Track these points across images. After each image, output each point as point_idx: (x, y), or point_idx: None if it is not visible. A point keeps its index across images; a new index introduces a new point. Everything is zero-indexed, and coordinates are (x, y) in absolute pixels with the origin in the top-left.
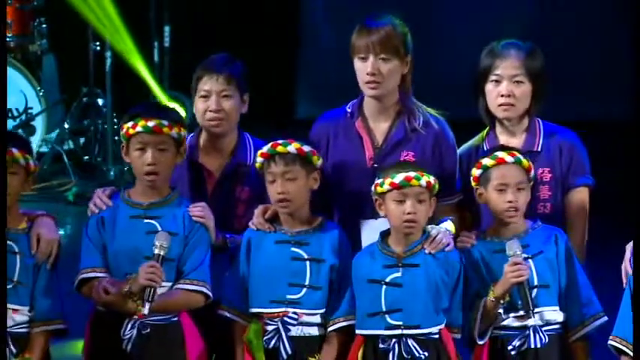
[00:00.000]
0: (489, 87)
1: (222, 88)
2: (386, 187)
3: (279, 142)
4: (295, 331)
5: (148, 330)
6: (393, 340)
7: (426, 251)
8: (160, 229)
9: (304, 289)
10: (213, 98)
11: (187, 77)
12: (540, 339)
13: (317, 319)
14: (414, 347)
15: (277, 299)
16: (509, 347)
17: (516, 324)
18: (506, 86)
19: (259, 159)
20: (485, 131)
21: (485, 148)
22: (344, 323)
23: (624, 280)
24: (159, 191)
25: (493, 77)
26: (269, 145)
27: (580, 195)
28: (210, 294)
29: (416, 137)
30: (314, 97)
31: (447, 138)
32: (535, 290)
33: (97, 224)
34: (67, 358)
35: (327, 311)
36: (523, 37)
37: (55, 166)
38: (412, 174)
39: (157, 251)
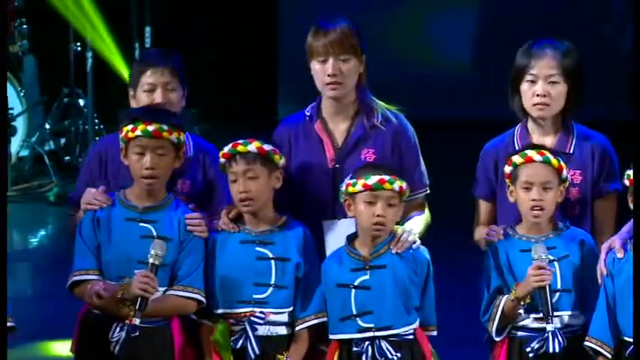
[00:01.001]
0: (525, 86)
1: (167, 80)
2: (358, 187)
3: (240, 141)
4: (262, 330)
5: (137, 333)
6: (366, 342)
7: (393, 251)
8: (155, 233)
9: (270, 289)
10: (158, 92)
11: None
12: (559, 343)
13: (284, 317)
14: (387, 349)
15: (243, 299)
16: (528, 349)
17: (535, 325)
18: (542, 86)
19: (221, 159)
20: (516, 128)
21: (516, 145)
22: (314, 321)
23: (600, 281)
24: (155, 195)
25: (529, 77)
26: (230, 145)
27: (610, 201)
28: (204, 301)
29: (375, 134)
30: (295, 98)
31: (407, 133)
32: (558, 294)
33: (93, 224)
34: (54, 358)
35: (295, 310)
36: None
37: (36, 166)
38: (386, 177)
39: (151, 260)
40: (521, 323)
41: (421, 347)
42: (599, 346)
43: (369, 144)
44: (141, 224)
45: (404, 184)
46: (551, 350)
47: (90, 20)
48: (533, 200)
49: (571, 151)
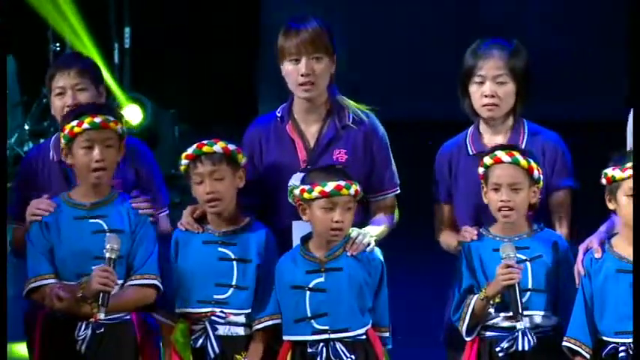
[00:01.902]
0: (473, 87)
1: (76, 81)
2: (315, 194)
3: (204, 142)
4: (223, 330)
5: (103, 330)
6: (321, 344)
7: (348, 254)
8: (106, 227)
9: (231, 289)
10: (68, 93)
11: (148, 79)
12: (529, 341)
13: (242, 318)
14: (342, 350)
15: (204, 299)
16: (497, 349)
17: (505, 324)
18: (489, 87)
19: (184, 161)
20: (469, 129)
21: (468, 146)
22: (269, 322)
23: (577, 281)
24: (101, 190)
25: (477, 78)
26: (194, 146)
27: (563, 197)
28: (161, 286)
29: (346, 135)
30: (275, 96)
31: (378, 133)
32: (528, 294)
33: (41, 229)
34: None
35: (253, 310)
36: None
37: (15, 167)
38: (342, 183)
39: (108, 255)
40: (491, 322)
41: (374, 348)
42: (577, 346)
43: (341, 144)
44: (91, 220)
45: (358, 187)
46: (520, 349)
47: (69, 21)
48: (502, 201)
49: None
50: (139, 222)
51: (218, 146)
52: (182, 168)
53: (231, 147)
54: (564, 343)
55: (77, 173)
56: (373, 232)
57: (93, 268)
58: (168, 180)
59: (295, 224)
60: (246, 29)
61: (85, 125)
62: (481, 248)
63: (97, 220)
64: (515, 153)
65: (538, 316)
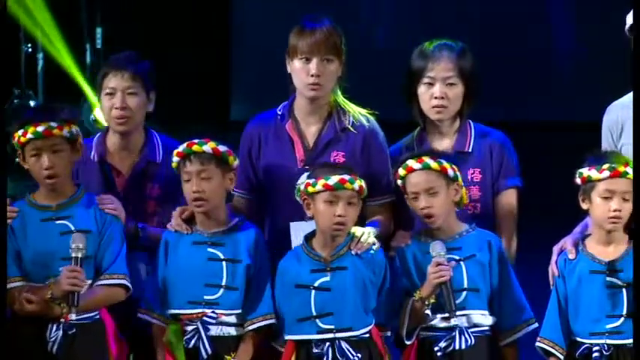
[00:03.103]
0: (422, 89)
1: (128, 85)
2: (318, 187)
3: (195, 141)
4: (215, 330)
5: (74, 330)
6: (327, 343)
7: (353, 252)
8: (72, 228)
9: (221, 290)
10: (118, 95)
11: None
12: (466, 340)
13: (235, 318)
14: (348, 350)
15: (194, 300)
16: (436, 348)
17: (443, 325)
18: (439, 88)
19: (175, 158)
20: (416, 131)
21: (415, 148)
22: (262, 323)
23: (551, 282)
24: (64, 191)
25: (426, 79)
26: (185, 144)
27: (509, 197)
28: (129, 286)
29: (346, 137)
30: (248, 99)
31: (377, 137)
32: (464, 293)
33: (7, 233)
34: None
35: (244, 311)
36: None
37: None
38: (346, 177)
39: (74, 254)
40: (430, 324)
41: (378, 347)
42: (550, 347)
43: (339, 146)
44: (57, 222)
45: (363, 183)
46: (457, 347)
47: (41, 21)
48: (422, 209)
49: (470, 150)
50: (105, 221)
51: (208, 146)
52: (173, 165)
53: (222, 148)
54: (538, 344)
55: (35, 178)
56: (372, 229)
57: (60, 269)
58: None
59: (293, 225)
60: (217, 29)
61: (29, 135)
62: (416, 252)
63: (63, 222)
64: (424, 158)
65: (475, 315)
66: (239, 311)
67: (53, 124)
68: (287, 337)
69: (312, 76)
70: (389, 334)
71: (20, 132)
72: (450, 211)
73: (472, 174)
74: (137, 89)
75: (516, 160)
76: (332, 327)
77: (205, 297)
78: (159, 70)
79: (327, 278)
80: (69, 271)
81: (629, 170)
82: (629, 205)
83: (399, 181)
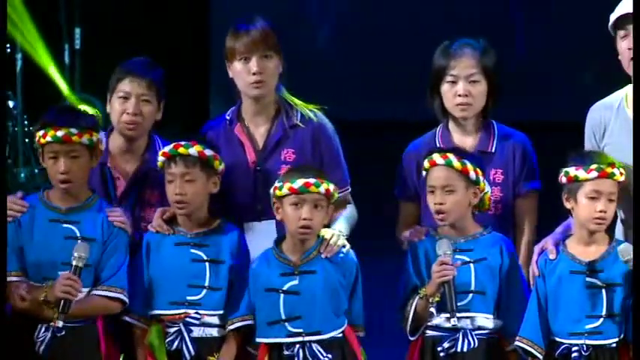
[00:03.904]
0: (445, 87)
1: (143, 92)
2: (284, 190)
3: (182, 143)
4: (197, 332)
5: (63, 332)
6: (297, 345)
7: (323, 256)
8: (78, 234)
9: (204, 291)
10: (132, 101)
11: (98, 80)
12: (469, 343)
13: (218, 319)
14: (319, 351)
15: (177, 301)
16: (439, 348)
17: (447, 325)
18: (463, 86)
19: (161, 158)
20: (438, 129)
21: (438, 145)
22: (240, 323)
23: (531, 282)
24: (77, 196)
25: (449, 77)
26: (171, 145)
27: (530, 200)
28: (127, 300)
29: (294, 134)
30: (227, 99)
31: (326, 131)
32: (470, 295)
33: (15, 226)
34: None
35: (226, 311)
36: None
37: None
38: (312, 180)
39: (74, 263)
40: (435, 323)
41: (351, 347)
42: (529, 346)
43: (289, 144)
44: (64, 225)
45: (331, 187)
46: (459, 350)
47: (19, 21)
48: (435, 204)
49: (492, 150)
50: (112, 233)
51: (194, 149)
52: (159, 164)
53: (208, 152)
54: (516, 343)
55: (50, 179)
56: (344, 229)
57: (60, 273)
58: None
59: (247, 226)
60: (196, 30)
61: (48, 138)
62: (429, 249)
63: (70, 226)
64: (449, 155)
65: (480, 318)
66: (222, 312)
67: (74, 130)
68: (258, 340)
69: (253, 74)
70: (362, 334)
71: (41, 133)
72: (466, 212)
73: (494, 174)
74: (151, 97)
75: (537, 163)
76: (301, 330)
77: (188, 298)
78: None
79: (296, 282)
80: (65, 279)
81: (616, 171)
82: (614, 206)
83: (424, 173)
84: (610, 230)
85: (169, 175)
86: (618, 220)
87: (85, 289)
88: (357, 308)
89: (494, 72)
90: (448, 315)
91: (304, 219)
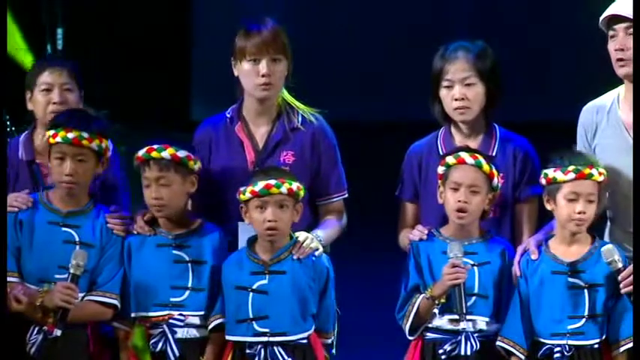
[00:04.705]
0: (443, 92)
1: (64, 80)
2: (247, 195)
3: (155, 146)
4: (181, 333)
5: (54, 335)
6: (259, 345)
7: (294, 257)
8: (77, 239)
9: (187, 292)
10: (56, 91)
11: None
12: (471, 346)
13: (197, 320)
14: (280, 353)
15: (160, 302)
16: (440, 351)
17: (449, 327)
18: (458, 89)
19: (136, 162)
20: (440, 132)
21: (440, 147)
22: (216, 322)
23: (514, 282)
24: (78, 199)
25: (445, 82)
26: (144, 149)
27: (531, 204)
28: (119, 305)
29: (295, 136)
30: (208, 99)
31: (326, 135)
32: (474, 298)
33: (15, 226)
34: None
35: (207, 311)
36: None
37: None
38: (272, 181)
39: (72, 270)
40: (436, 324)
41: (315, 352)
42: (511, 347)
43: (289, 146)
44: (63, 229)
45: (294, 185)
46: (463, 353)
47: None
48: (459, 202)
49: (493, 154)
50: (110, 239)
51: (167, 152)
52: (134, 168)
53: (181, 154)
54: (498, 343)
55: (53, 179)
56: (322, 234)
57: (56, 276)
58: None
59: (241, 225)
60: (178, 30)
61: (58, 139)
62: (430, 248)
63: (69, 230)
64: (479, 156)
65: (481, 321)
66: (204, 312)
67: (85, 134)
68: (227, 338)
69: (262, 76)
70: (330, 340)
71: (51, 132)
72: (479, 214)
73: None
74: (72, 86)
75: (539, 167)
76: (267, 330)
77: (172, 299)
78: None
79: (265, 281)
80: (64, 288)
81: (594, 172)
82: (594, 207)
83: (441, 169)
84: (598, 230)
85: (145, 179)
86: (608, 220)
87: (80, 294)
88: (326, 314)
89: (491, 74)
90: (452, 317)
91: (269, 221)
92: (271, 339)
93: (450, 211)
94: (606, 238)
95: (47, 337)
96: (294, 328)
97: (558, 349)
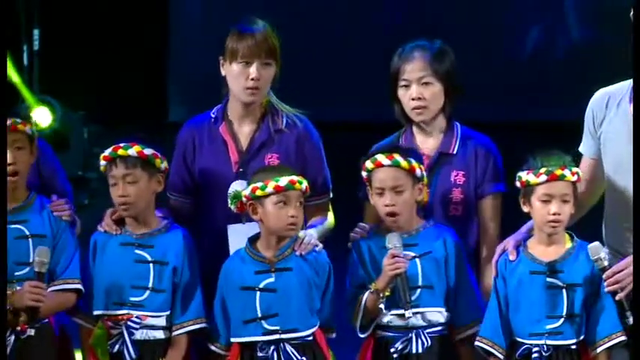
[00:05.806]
0: (401, 92)
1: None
2: (269, 190)
3: (121, 145)
4: (140, 334)
5: (26, 335)
6: (272, 347)
7: (297, 253)
8: (27, 233)
9: (147, 292)
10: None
11: (57, 81)
12: (422, 343)
13: (162, 321)
14: (292, 353)
15: (119, 301)
16: (392, 350)
17: (399, 323)
18: (415, 89)
19: (102, 162)
20: (402, 131)
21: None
22: (193, 327)
23: (490, 282)
24: (17, 195)
25: (402, 82)
26: (111, 148)
27: (494, 201)
28: (82, 289)
29: (279, 138)
30: (186, 100)
31: (311, 137)
32: (419, 290)
33: None
34: None
35: (173, 314)
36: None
37: None
38: (295, 177)
39: (37, 269)
40: (385, 321)
41: (321, 349)
42: (489, 347)
43: (273, 148)
44: (12, 226)
45: (307, 184)
46: (414, 351)
47: None
48: (386, 206)
49: (454, 152)
50: (59, 227)
51: (133, 150)
52: (102, 168)
53: (148, 152)
54: (477, 344)
55: None
56: (315, 233)
57: (16, 274)
58: (77, 182)
59: (230, 228)
60: (156, 29)
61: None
62: (372, 245)
63: (17, 226)
64: (395, 155)
65: (430, 312)
66: (166, 314)
67: (18, 119)
68: (233, 340)
69: (251, 80)
70: (333, 335)
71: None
72: (412, 209)
73: (455, 176)
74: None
75: (501, 165)
76: (277, 328)
77: (131, 299)
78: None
79: (272, 279)
80: (32, 287)
81: (567, 173)
82: (569, 207)
83: (364, 174)
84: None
85: (112, 178)
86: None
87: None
88: (329, 309)
89: (449, 73)
90: (398, 312)
91: (292, 216)
92: (283, 336)
93: (381, 215)
94: (602, 231)
95: (19, 338)
96: (304, 324)
97: (536, 349)
